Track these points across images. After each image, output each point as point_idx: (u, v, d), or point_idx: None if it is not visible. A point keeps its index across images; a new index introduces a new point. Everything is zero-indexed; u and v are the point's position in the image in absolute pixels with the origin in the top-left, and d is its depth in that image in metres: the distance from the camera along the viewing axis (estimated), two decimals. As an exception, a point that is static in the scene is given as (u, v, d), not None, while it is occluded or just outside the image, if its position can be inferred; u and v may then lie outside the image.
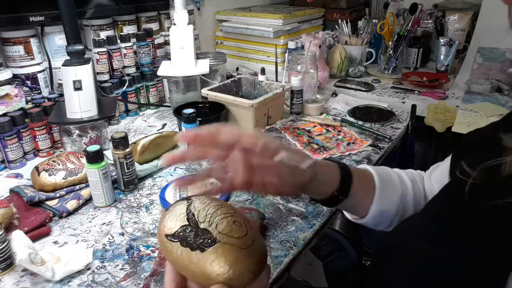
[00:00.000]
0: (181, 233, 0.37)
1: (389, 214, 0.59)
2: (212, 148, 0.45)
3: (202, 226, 0.37)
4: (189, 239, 0.36)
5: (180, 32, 1.14)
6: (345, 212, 0.66)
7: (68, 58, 0.94)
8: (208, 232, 0.36)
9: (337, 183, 0.55)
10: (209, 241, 0.36)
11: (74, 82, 0.92)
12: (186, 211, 0.39)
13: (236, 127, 0.46)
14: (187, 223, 0.37)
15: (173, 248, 0.36)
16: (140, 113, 1.28)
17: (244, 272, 0.35)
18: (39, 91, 1.07)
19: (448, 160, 0.59)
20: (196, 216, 0.38)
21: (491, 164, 0.40)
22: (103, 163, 0.76)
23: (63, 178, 0.81)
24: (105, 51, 1.15)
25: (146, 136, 0.93)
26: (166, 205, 0.78)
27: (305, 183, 0.51)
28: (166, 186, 0.84)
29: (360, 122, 1.14)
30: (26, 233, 0.64)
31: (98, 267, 0.63)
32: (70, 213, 0.77)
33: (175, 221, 0.38)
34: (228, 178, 0.44)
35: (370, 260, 1.17)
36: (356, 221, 0.63)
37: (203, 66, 1.17)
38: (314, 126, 1.15)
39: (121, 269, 0.63)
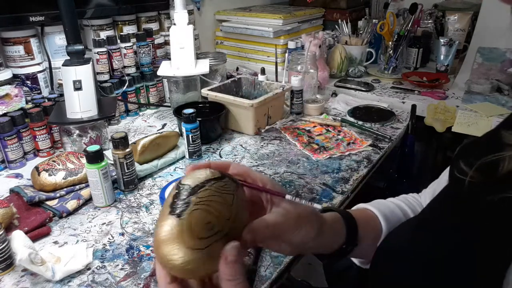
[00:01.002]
0: (179, 187, 0.38)
1: None
2: None
3: (192, 198, 0.36)
4: (175, 198, 0.37)
5: (180, 32, 1.14)
6: (353, 259, 0.64)
7: (68, 58, 0.94)
8: (187, 206, 0.36)
9: (343, 236, 0.52)
10: (178, 211, 0.36)
11: (74, 82, 0.92)
12: (204, 180, 0.38)
13: (243, 165, 0.44)
14: (191, 187, 0.37)
15: (169, 196, 0.38)
16: (140, 113, 1.28)
17: (188, 270, 0.35)
18: (39, 91, 1.07)
19: (445, 173, 0.58)
20: (199, 189, 0.37)
21: (490, 159, 0.40)
22: (103, 163, 0.76)
23: (63, 178, 0.81)
24: (105, 51, 1.15)
25: (146, 136, 0.93)
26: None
27: (310, 240, 0.47)
28: (166, 186, 0.84)
29: (360, 122, 1.14)
30: (26, 233, 0.64)
31: (98, 267, 0.63)
32: (70, 213, 0.77)
33: (189, 178, 0.38)
34: None
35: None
36: (363, 265, 0.62)
37: (203, 66, 1.17)
38: (314, 126, 1.15)
39: (121, 269, 0.63)
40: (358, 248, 0.54)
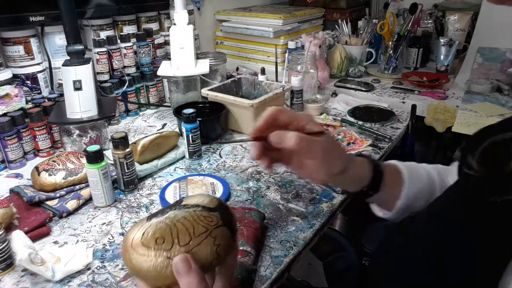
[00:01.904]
0: (179, 199, 0.43)
1: (415, 209, 0.61)
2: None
3: (170, 212, 0.40)
4: (168, 207, 0.41)
5: (180, 32, 1.14)
6: (371, 206, 0.67)
7: (68, 58, 0.94)
8: (160, 216, 0.40)
9: (369, 179, 0.58)
10: (153, 217, 0.40)
11: (74, 82, 0.92)
12: (195, 203, 0.41)
13: (292, 111, 0.57)
14: (181, 203, 0.41)
15: None
16: (140, 113, 1.28)
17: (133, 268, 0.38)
18: (39, 91, 1.07)
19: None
20: (183, 208, 0.40)
21: (500, 138, 0.40)
22: (103, 163, 0.76)
23: (63, 178, 0.81)
24: (105, 51, 1.15)
25: (146, 136, 0.93)
26: (166, 205, 0.78)
27: (335, 175, 0.55)
28: (166, 186, 0.84)
29: (360, 122, 1.14)
30: (26, 233, 0.64)
31: (98, 267, 0.63)
32: (70, 213, 0.77)
33: (193, 196, 0.43)
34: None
35: (370, 259, 1.16)
36: (384, 216, 0.65)
37: (203, 66, 1.17)
38: (314, 126, 1.15)
39: (121, 269, 0.63)
40: (379, 195, 0.59)
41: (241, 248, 0.62)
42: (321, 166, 0.53)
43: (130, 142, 0.83)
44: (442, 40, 1.47)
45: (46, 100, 1.03)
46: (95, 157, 0.75)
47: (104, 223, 0.74)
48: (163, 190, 0.82)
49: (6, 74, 0.98)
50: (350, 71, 1.54)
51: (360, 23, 1.62)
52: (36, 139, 0.97)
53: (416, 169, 0.64)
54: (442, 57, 1.48)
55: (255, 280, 0.60)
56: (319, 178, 0.56)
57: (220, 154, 1.01)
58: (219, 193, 0.81)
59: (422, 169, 0.64)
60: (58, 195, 0.79)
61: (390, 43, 1.50)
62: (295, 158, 0.56)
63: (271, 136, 0.52)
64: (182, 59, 1.14)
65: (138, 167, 0.88)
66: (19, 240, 0.60)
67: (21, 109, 0.97)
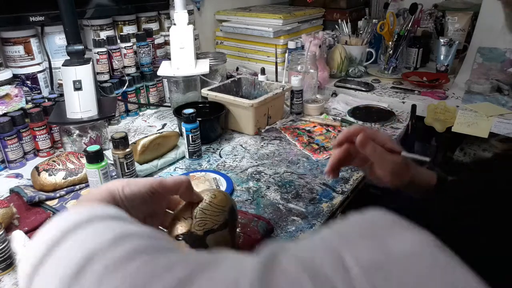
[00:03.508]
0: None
1: None
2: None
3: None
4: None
5: (180, 32, 1.14)
6: None
7: (68, 58, 0.94)
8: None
9: (433, 186, 0.63)
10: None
11: (74, 82, 0.92)
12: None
13: (377, 131, 0.64)
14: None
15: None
16: (140, 113, 1.28)
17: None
18: (39, 91, 1.07)
19: None
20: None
21: None
22: (103, 163, 0.76)
23: (63, 178, 0.81)
24: (105, 51, 1.15)
25: (146, 136, 0.93)
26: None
27: (406, 180, 0.61)
28: (166, 186, 0.84)
29: (360, 122, 1.14)
30: (26, 233, 0.64)
31: (98, 267, 0.63)
32: (70, 213, 0.77)
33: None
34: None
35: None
36: None
37: (203, 66, 1.17)
38: (314, 126, 1.15)
39: (121, 269, 0.63)
40: None
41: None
42: (388, 177, 0.61)
43: (130, 142, 0.83)
44: (442, 40, 1.47)
45: (46, 100, 1.03)
46: (95, 157, 0.75)
47: (104, 223, 0.74)
48: (163, 190, 0.82)
49: (6, 74, 0.98)
50: (350, 71, 1.54)
51: (360, 23, 1.62)
52: (36, 139, 0.97)
53: None
54: (442, 57, 1.48)
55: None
56: (393, 182, 0.62)
57: (220, 154, 1.01)
58: (223, 187, 0.82)
59: None
60: (58, 195, 0.79)
61: (390, 43, 1.50)
62: (369, 167, 0.64)
63: (358, 137, 0.59)
64: (182, 59, 1.14)
65: (138, 167, 0.88)
66: (19, 240, 0.60)
67: (21, 109, 0.97)
